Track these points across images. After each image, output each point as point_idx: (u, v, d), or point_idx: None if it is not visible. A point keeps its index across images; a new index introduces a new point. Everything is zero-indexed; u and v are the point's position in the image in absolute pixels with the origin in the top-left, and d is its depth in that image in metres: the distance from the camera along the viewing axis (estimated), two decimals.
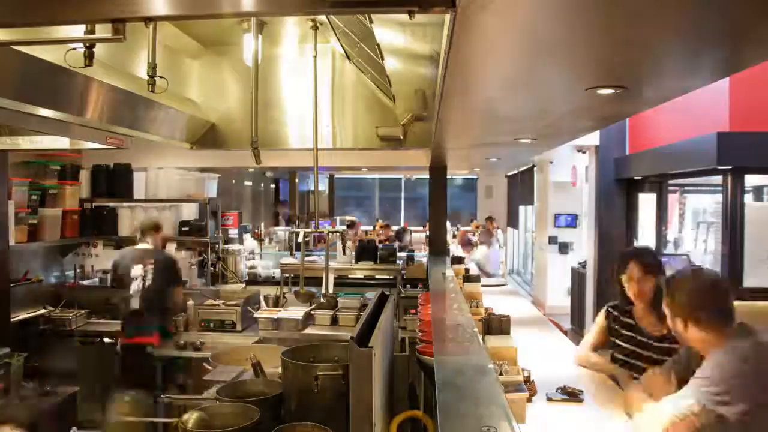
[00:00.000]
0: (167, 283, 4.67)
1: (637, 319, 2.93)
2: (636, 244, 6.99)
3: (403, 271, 5.88)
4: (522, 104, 2.49)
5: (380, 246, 6.24)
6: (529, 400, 2.37)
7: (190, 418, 1.96)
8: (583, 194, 8.65)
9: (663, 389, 2.22)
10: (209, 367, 3.02)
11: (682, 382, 2.10)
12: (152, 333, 4.42)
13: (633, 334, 2.93)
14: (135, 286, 4.56)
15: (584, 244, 8.60)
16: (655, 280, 2.84)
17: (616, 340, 3.00)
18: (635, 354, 2.92)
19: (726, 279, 4.27)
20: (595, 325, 3.19)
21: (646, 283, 2.86)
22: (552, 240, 8.86)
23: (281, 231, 8.77)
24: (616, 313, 3.04)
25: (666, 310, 2.20)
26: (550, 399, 2.54)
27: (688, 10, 1.27)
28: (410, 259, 6.21)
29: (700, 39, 1.50)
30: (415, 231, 11.40)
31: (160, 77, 2.19)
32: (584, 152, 8.16)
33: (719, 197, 5.34)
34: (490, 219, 12.18)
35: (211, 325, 4.81)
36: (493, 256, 8.87)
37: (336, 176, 14.51)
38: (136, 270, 4.56)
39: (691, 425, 1.88)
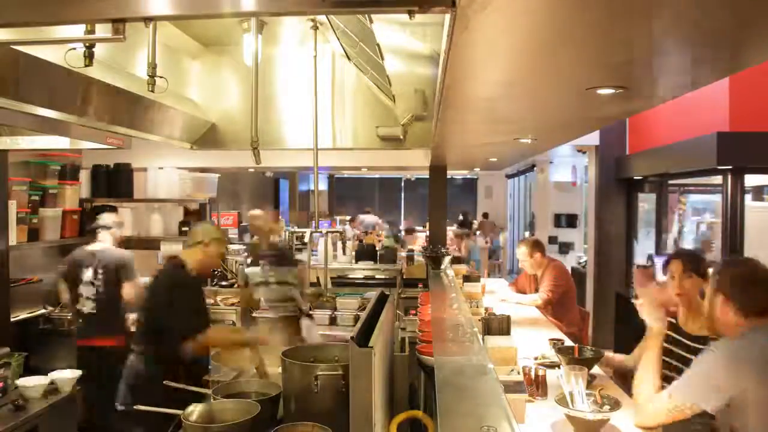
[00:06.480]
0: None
1: (679, 320, 2.92)
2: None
3: (402, 271, 5.88)
4: (522, 104, 2.49)
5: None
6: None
7: (193, 411, 1.97)
8: (583, 194, 8.66)
9: None
10: (209, 367, 3.03)
11: None
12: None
13: (669, 332, 2.94)
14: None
15: (584, 244, 8.60)
16: (697, 281, 2.85)
17: None
18: (666, 350, 2.93)
19: None
20: None
21: (687, 281, 2.86)
22: (552, 240, 8.85)
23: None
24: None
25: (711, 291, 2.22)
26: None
27: (689, 10, 1.27)
28: (410, 259, 6.21)
29: (700, 39, 1.50)
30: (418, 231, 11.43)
31: (160, 77, 2.19)
32: (584, 152, 8.16)
33: (719, 197, 5.34)
34: (485, 215, 12.37)
35: (211, 325, 4.78)
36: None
37: (336, 176, 14.53)
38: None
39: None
